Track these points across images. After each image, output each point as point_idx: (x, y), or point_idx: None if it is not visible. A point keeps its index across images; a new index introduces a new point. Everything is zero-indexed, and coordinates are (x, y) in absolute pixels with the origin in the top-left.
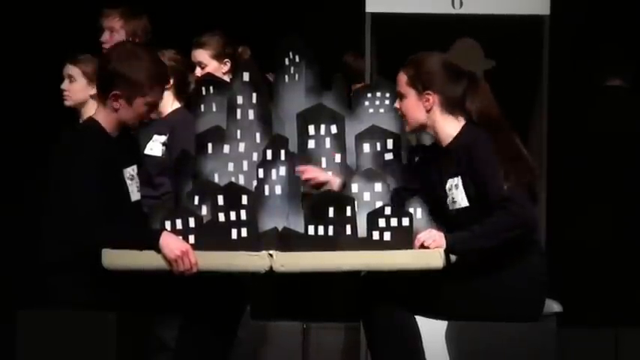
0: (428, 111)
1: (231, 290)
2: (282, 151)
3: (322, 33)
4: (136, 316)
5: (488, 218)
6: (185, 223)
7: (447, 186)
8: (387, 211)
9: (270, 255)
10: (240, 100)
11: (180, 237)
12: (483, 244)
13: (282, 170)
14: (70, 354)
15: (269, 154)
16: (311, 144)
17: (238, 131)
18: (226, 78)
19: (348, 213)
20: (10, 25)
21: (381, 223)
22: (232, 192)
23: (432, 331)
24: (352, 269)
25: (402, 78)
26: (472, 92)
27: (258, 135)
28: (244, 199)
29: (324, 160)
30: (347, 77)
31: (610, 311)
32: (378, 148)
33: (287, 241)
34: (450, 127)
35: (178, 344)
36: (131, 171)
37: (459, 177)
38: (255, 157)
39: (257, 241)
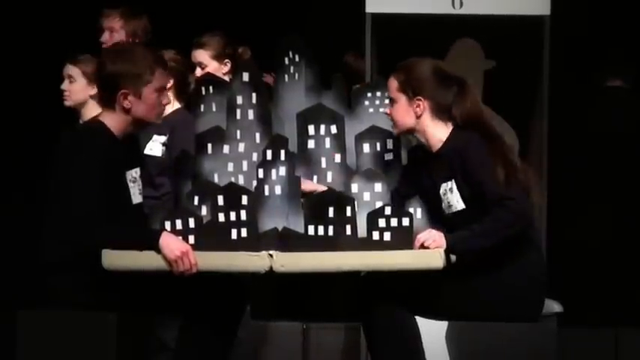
0: (418, 117)
1: (231, 290)
2: (282, 151)
3: (322, 33)
4: (136, 317)
5: (487, 217)
6: (185, 223)
7: (441, 191)
8: (387, 211)
9: (270, 255)
10: (240, 100)
11: (180, 237)
12: (484, 242)
13: (282, 170)
14: (70, 354)
15: (269, 154)
16: (311, 144)
17: (238, 131)
18: (226, 78)
19: (348, 213)
20: (10, 25)
21: (381, 223)
22: (232, 192)
23: (432, 331)
24: (352, 269)
25: (393, 83)
26: (460, 98)
27: (257, 135)
28: (244, 200)
29: (324, 160)
30: (347, 77)
31: (610, 311)
32: (378, 148)
33: (287, 241)
34: (440, 132)
35: (178, 344)
36: (134, 173)
37: (452, 180)
38: (254, 157)
39: (257, 241)
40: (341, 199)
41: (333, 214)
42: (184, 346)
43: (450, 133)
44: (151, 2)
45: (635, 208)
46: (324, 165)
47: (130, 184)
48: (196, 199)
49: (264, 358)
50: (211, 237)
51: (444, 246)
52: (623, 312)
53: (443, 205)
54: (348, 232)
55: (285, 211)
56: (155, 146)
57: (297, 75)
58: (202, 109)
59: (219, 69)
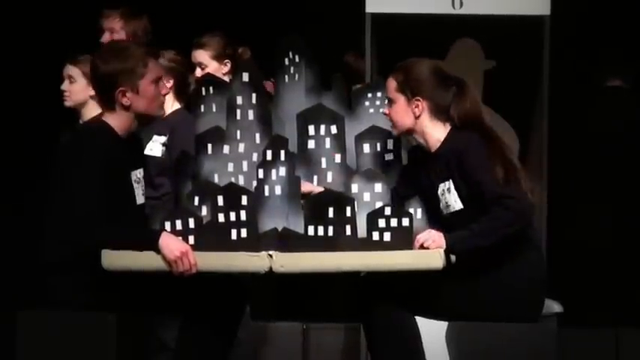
0: (417, 117)
1: (231, 291)
2: (282, 152)
3: (322, 33)
4: (136, 317)
5: (486, 216)
6: (185, 223)
7: (439, 191)
8: (387, 211)
9: (270, 255)
10: (240, 100)
11: (180, 238)
12: (483, 242)
13: (282, 171)
14: (70, 354)
15: (269, 154)
16: (311, 144)
17: (238, 132)
18: (226, 79)
19: (348, 213)
20: (10, 26)
21: (381, 223)
22: (232, 192)
23: (432, 331)
24: (352, 270)
25: (392, 84)
26: (459, 98)
27: (257, 135)
28: (244, 200)
29: (324, 160)
30: (347, 77)
31: (610, 311)
32: (379, 149)
33: (287, 241)
34: (438, 132)
35: (178, 345)
36: (138, 174)
37: (450, 180)
38: (254, 157)
39: (257, 241)
40: (341, 199)
41: (332, 214)
42: (184, 346)
43: (448, 134)
44: (151, 2)
45: (635, 208)
46: (324, 165)
47: (134, 185)
48: (196, 199)
49: (264, 358)
50: (211, 237)
51: (444, 246)
52: (624, 312)
53: (441, 205)
54: (348, 232)
55: (285, 211)
56: (155, 146)
57: (297, 75)
58: (202, 110)
59: (219, 69)
